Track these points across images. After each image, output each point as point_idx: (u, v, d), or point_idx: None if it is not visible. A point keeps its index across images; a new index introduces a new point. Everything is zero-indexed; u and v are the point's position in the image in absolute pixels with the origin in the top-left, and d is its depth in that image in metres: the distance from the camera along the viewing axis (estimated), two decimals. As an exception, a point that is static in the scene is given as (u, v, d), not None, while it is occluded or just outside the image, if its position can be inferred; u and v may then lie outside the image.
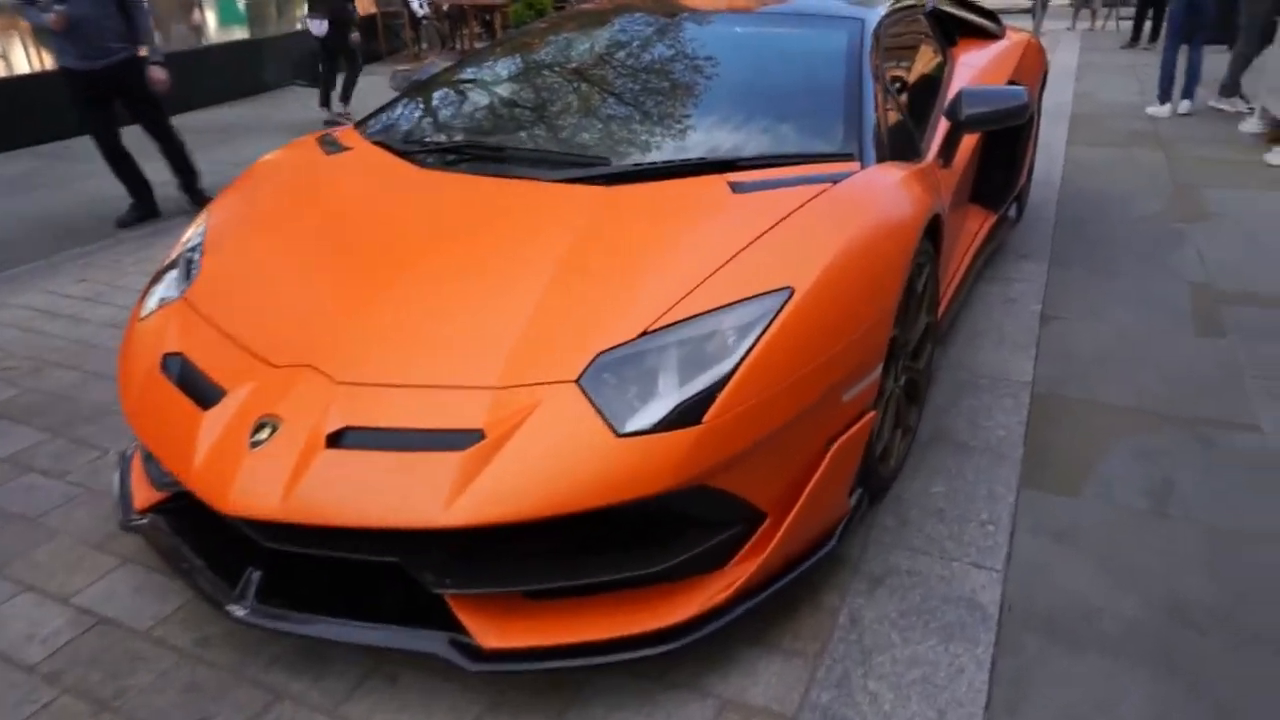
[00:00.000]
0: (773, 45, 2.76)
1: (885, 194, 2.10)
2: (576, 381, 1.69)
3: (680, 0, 3.25)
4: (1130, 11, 10.88)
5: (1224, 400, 2.81)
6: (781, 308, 1.76)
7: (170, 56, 4.69)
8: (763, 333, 1.72)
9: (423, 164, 2.43)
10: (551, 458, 1.62)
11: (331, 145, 2.68)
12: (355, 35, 7.42)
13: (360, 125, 2.84)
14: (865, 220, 1.98)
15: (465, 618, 1.69)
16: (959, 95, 2.55)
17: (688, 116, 2.50)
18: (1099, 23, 12.26)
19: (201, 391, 1.87)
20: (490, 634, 1.69)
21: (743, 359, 1.69)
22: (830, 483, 1.86)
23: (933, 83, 3.24)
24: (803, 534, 1.85)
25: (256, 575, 1.80)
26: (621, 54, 2.84)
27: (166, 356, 1.99)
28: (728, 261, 1.86)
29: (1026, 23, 9.07)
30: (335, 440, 1.70)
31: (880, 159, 2.29)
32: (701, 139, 2.41)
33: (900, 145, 2.52)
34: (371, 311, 1.92)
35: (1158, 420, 2.70)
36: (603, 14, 3.14)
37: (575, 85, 2.75)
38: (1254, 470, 2.45)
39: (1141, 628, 1.90)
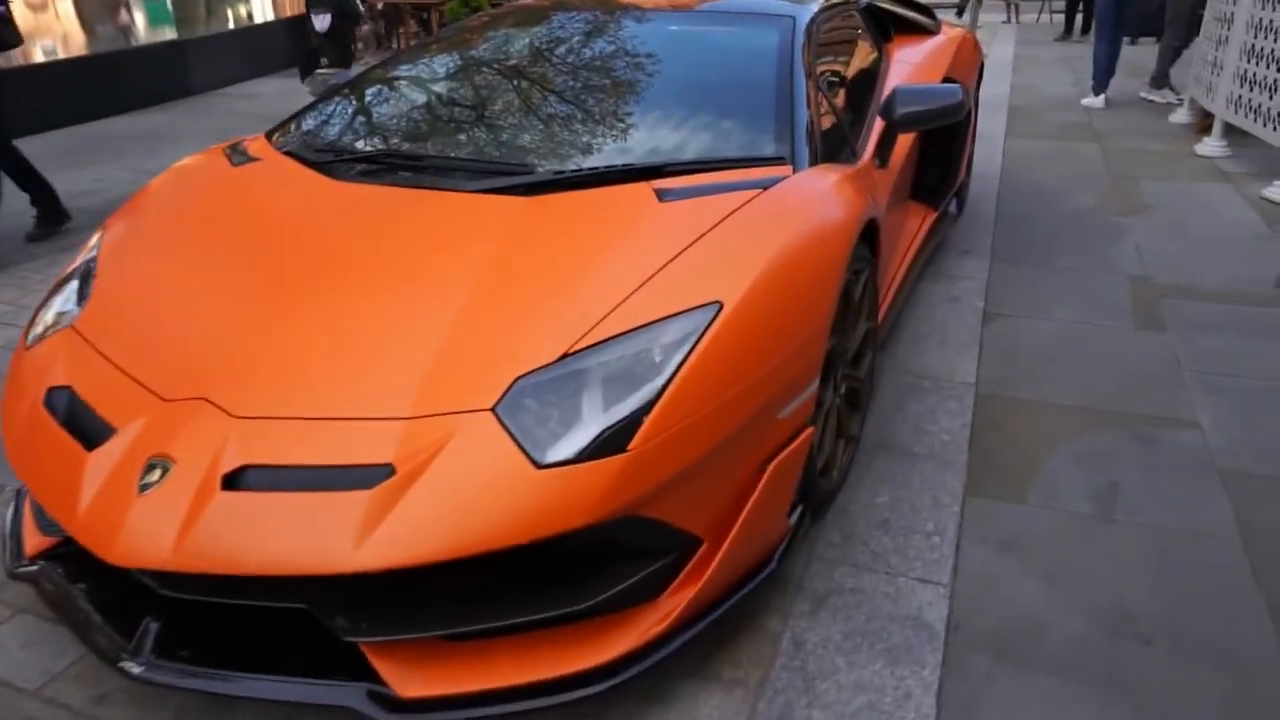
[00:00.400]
0: (703, 44, 2.67)
1: (818, 199, 2.02)
2: (493, 409, 1.58)
3: None
4: (1061, 6, 11.06)
5: (1164, 396, 2.80)
6: (710, 323, 1.67)
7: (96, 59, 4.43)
8: (691, 350, 1.63)
9: (335, 175, 2.29)
10: (466, 493, 1.51)
11: (239, 156, 2.53)
12: (366, 27, 7.19)
13: (271, 134, 2.69)
14: (797, 227, 1.90)
15: (382, 666, 1.57)
16: (893, 94, 2.49)
17: (616, 120, 2.40)
18: (1018, 16, 12.44)
19: (88, 429, 1.71)
20: (410, 683, 1.57)
21: (670, 379, 1.60)
22: (768, 503, 1.78)
23: (869, 80, 3.18)
24: (741, 558, 1.76)
25: (155, 627, 1.65)
26: (548, 55, 2.72)
27: (52, 390, 1.83)
28: (654, 275, 1.76)
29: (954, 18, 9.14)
30: (233, 481, 1.56)
31: (814, 161, 2.22)
32: (629, 144, 2.31)
33: (835, 146, 2.45)
34: (272, 339, 1.78)
35: (1101, 419, 2.67)
36: (529, 13, 3.02)
37: (499, 89, 2.62)
38: (1194, 468, 2.43)
39: (1089, 644, 1.85)
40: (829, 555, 2.10)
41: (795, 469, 1.85)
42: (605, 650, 1.62)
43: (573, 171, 2.15)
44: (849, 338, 2.23)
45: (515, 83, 2.61)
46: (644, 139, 2.32)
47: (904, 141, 2.93)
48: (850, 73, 3.09)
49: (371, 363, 1.71)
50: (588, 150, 2.29)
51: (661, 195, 2.00)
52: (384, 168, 2.31)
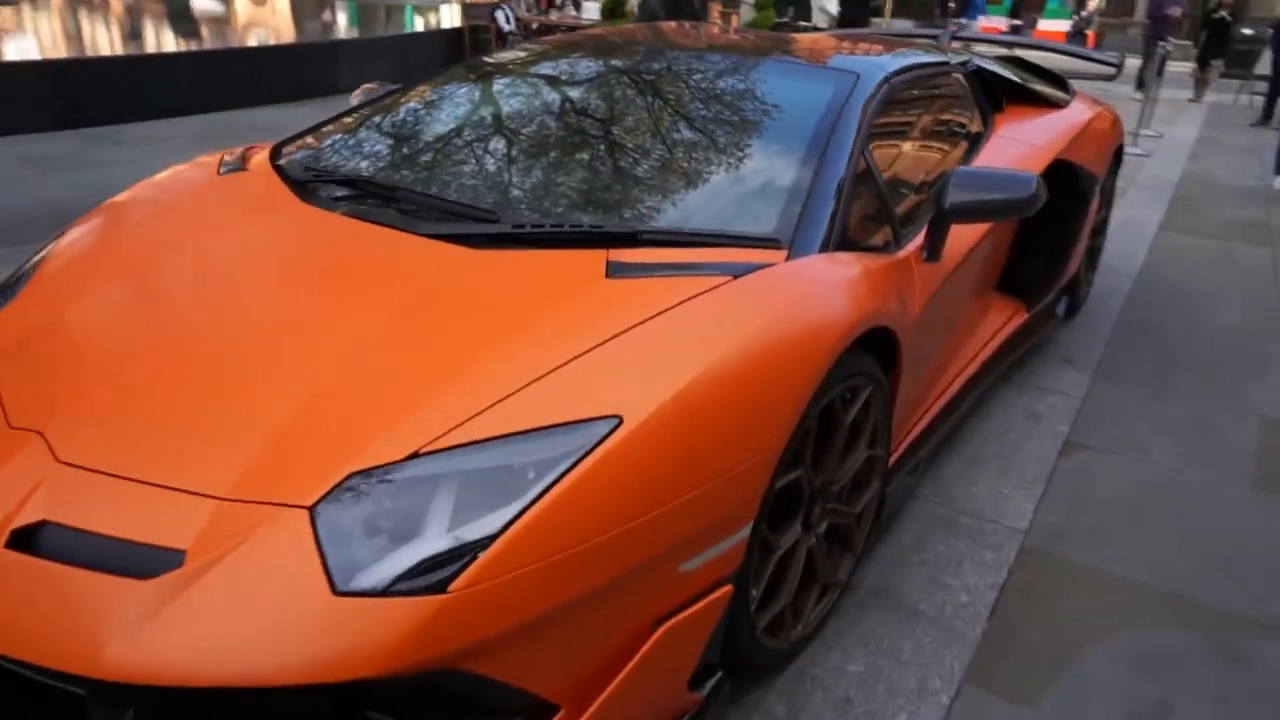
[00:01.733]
0: (742, 97, 2.31)
1: (796, 298, 1.62)
2: (310, 507, 1.30)
3: (669, 36, 2.85)
4: (1264, 87, 9.92)
5: (1270, 591, 2.20)
6: (599, 442, 1.32)
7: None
8: (567, 472, 1.29)
9: (304, 196, 2.08)
10: (249, 608, 1.23)
11: (230, 164, 2.37)
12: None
13: (284, 143, 2.54)
14: (752, 332, 1.51)
15: None
16: (946, 178, 2.06)
17: (610, 173, 2.08)
18: (1207, 94, 11.25)
19: None
20: None
21: (529, 506, 1.27)
22: (655, 672, 1.41)
23: (951, 155, 2.73)
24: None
25: None
26: (568, 95, 2.44)
27: None
28: (556, 369, 1.43)
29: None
30: (23, 538, 1.35)
31: (824, 247, 1.83)
32: (613, 200, 1.98)
33: (866, 231, 2.05)
34: (131, 375, 1.57)
35: (1174, 609, 2.12)
36: (566, 48, 2.75)
37: (499, 126, 2.36)
38: (1287, 704, 1.86)
39: None
40: (764, 733, 1.69)
41: (700, 633, 1.47)
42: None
43: (534, 226, 1.84)
44: (836, 470, 1.82)
45: (523, 124, 2.34)
46: (633, 198, 1.99)
47: (986, 226, 2.48)
48: (926, 145, 2.66)
49: (218, 422, 1.46)
50: (566, 202, 1.98)
51: (612, 269, 1.67)
52: (353, 194, 2.09)
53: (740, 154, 2.10)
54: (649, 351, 1.47)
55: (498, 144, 2.26)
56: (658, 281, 1.63)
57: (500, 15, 10.43)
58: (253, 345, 1.61)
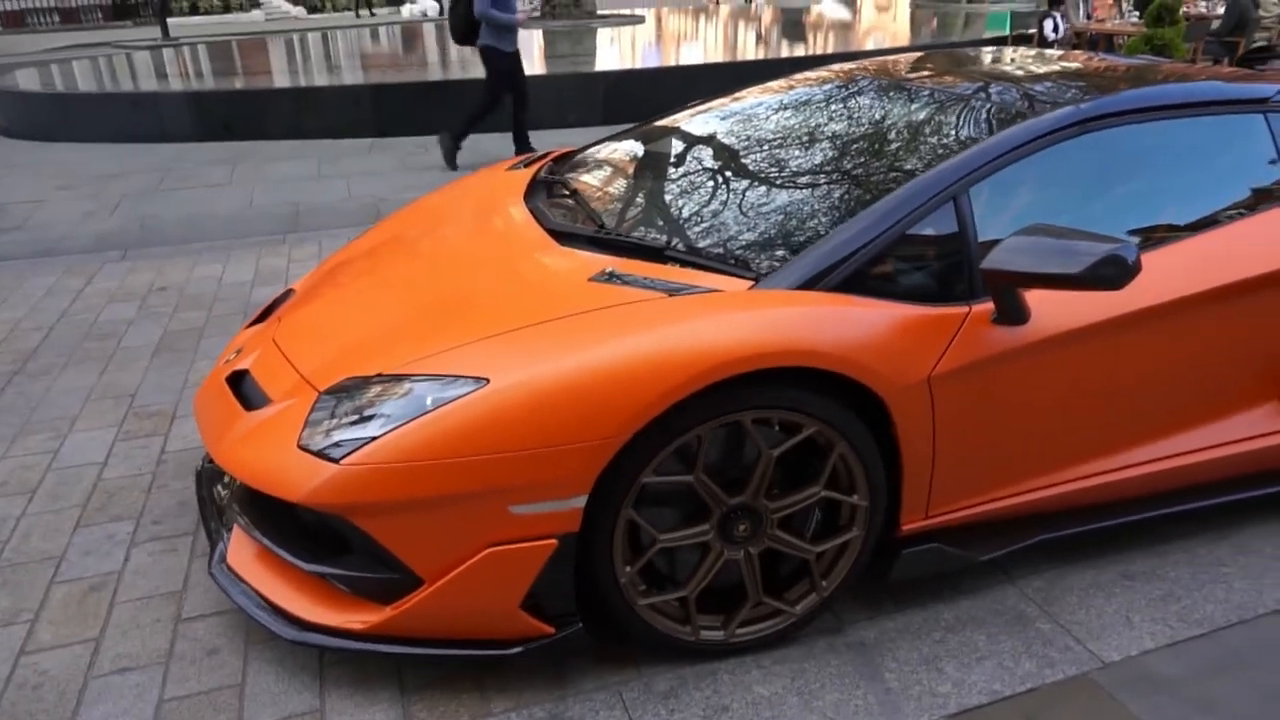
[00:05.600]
0: (882, 130, 2.28)
1: (690, 319, 1.76)
2: (320, 390, 1.99)
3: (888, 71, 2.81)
4: None
5: None
6: (467, 394, 1.76)
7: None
8: (439, 407, 1.76)
9: (526, 195, 2.74)
10: (265, 441, 1.97)
11: (520, 164, 3.15)
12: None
13: (574, 151, 3.24)
14: (625, 339, 1.74)
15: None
16: (1006, 240, 1.83)
17: (714, 199, 2.34)
18: None
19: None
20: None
21: (403, 424, 1.77)
22: (483, 583, 1.79)
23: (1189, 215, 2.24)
24: (444, 616, 1.83)
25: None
26: (723, 135, 2.69)
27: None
28: (486, 338, 1.89)
29: None
30: (235, 377, 2.30)
31: (814, 285, 1.88)
32: (702, 224, 2.26)
33: (925, 282, 1.97)
34: (327, 299, 2.45)
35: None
36: (821, 80, 2.91)
37: (673, 161, 2.71)
38: None
39: None
40: (630, 698, 1.91)
41: (525, 568, 1.78)
42: (322, 615, 1.92)
43: (597, 234, 2.27)
44: (764, 496, 1.88)
45: (683, 155, 2.67)
46: (712, 222, 2.24)
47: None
48: (1155, 199, 2.23)
49: (334, 334, 2.24)
50: (676, 223, 2.33)
51: (601, 276, 2.01)
52: (548, 194, 2.70)
53: (821, 192, 2.18)
54: (544, 338, 1.83)
55: (662, 174, 2.64)
56: (622, 290, 1.94)
57: (1049, 23, 9.78)
58: (385, 293, 2.36)
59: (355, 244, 2.94)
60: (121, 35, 21.31)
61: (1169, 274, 2.12)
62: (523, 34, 7.38)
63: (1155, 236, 2.19)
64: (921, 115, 2.38)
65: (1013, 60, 2.95)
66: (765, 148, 2.52)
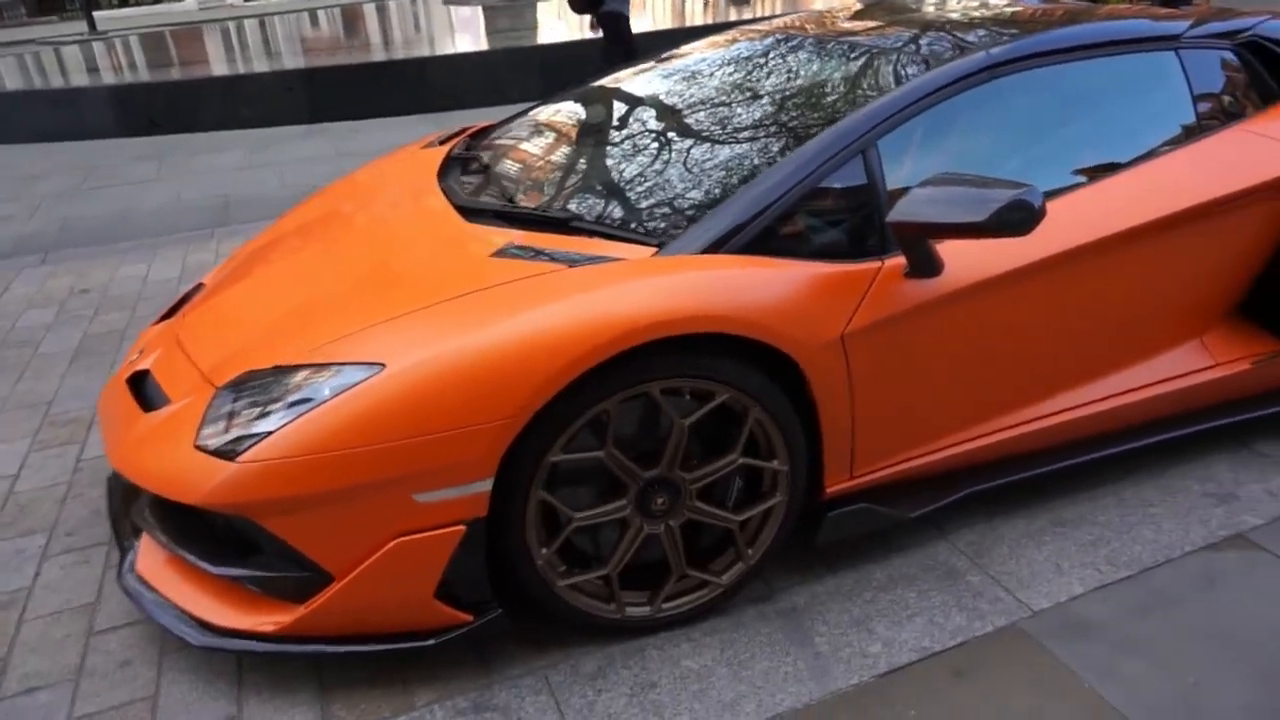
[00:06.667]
0: (790, 88, 2.23)
1: (589, 290, 1.71)
2: (217, 387, 1.90)
3: (838, 26, 2.75)
4: None
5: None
6: (363, 380, 1.69)
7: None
8: (335, 396, 1.69)
9: (440, 173, 2.65)
10: (161, 442, 1.89)
11: (436, 143, 3.05)
12: None
13: (491, 126, 3.15)
14: (521, 314, 1.68)
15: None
16: (912, 191, 1.79)
17: (621, 170, 2.27)
18: None
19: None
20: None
21: (300, 416, 1.70)
22: (393, 575, 1.73)
23: (1119, 155, 2.22)
24: (357, 611, 1.77)
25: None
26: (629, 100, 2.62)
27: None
28: (382, 322, 1.82)
29: None
30: (137, 378, 2.21)
31: (720, 248, 1.83)
32: (606, 193, 2.19)
33: (837, 238, 1.92)
34: (230, 292, 2.35)
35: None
36: (725, 41, 2.85)
37: (585, 128, 2.64)
38: None
39: None
40: (556, 681, 1.87)
41: (434, 557, 1.73)
42: (237, 619, 1.86)
43: (503, 207, 2.19)
44: (680, 467, 1.84)
45: (594, 122, 2.59)
46: (618, 190, 2.17)
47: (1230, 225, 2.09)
48: (1067, 143, 2.20)
49: (235, 328, 2.14)
50: (569, 193, 2.26)
51: (502, 251, 1.94)
52: (464, 176, 2.61)
53: (730, 151, 2.12)
54: (441, 318, 1.76)
55: (571, 144, 2.57)
56: (523, 264, 1.87)
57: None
58: (288, 281, 2.27)
59: (265, 232, 2.84)
60: (47, 31, 20.56)
61: (1083, 217, 2.10)
62: (462, 12, 7.21)
63: (1070, 180, 2.16)
64: (831, 68, 2.33)
65: (935, 9, 2.90)
66: (674, 111, 2.45)
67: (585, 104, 2.78)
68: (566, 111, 2.79)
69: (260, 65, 8.97)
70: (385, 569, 1.74)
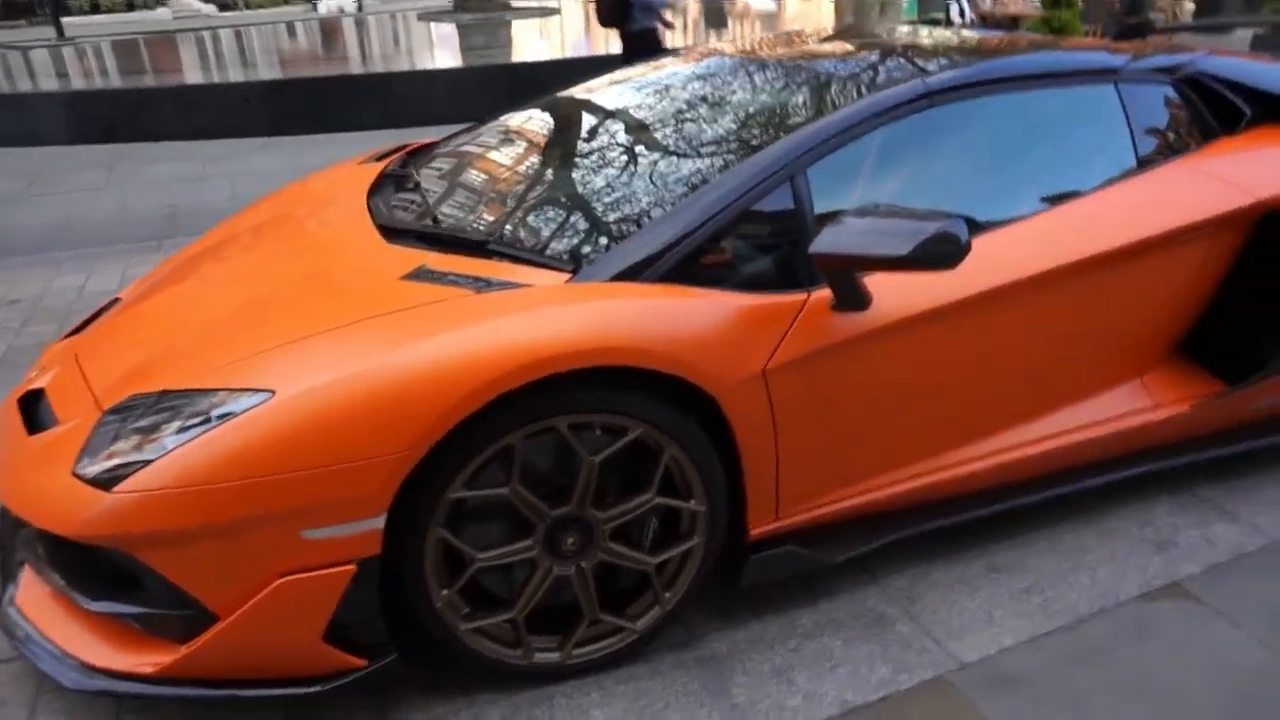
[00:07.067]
0: (719, 117, 2.16)
1: (490, 318, 1.63)
2: (104, 410, 1.78)
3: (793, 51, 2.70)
4: None
5: None
6: (248, 409, 1.58)
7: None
8: (219, 423, 1.58)
9: (371, 191, 2.54)
10: (45, 468, 1.76)
11: (374, 159, 2.95)
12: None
13: (434, 143, 3.05)
14: (416, 344, 1.59)
15: None
16: (836, 218, 1.72)
17: (554, 193, 2.19)
18: None
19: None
20: None
21: (182, 445, 1.59)
22: (278, 616, 1.62)
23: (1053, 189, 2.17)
24: (242, 653, 1.65)
25: None
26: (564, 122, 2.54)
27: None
28: (279, 346, 1.72)
29: None
30: (30, 397, 2.07)
31: (635, 276, 1.75)
32: (545, 218, 2.11)
33: (764, 269, 1.85)
34: (134, 312, 2.24)
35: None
36: (651, 72, 2.78)
37: (520, 147, 2.56)
38: None
39: None
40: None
41: (323, 598, 1.62)
42: (109, 658, 1.72)
43: (426, 228, 2.10)
44: (589, 506, 1.75)
45: (541, 147, 2.51)
46: (543, 212, 2.10)
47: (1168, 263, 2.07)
48: (1009, 176, 2.15)
49: (134, 349, 2.01)
50: (492, 214, 2.17)
51: (415, 273, 1.85)
52: (389, 189, 2.51)
53: (655, 176, 2.04)
54: (338, 344, 1.66)
55: (502, 165, 2.48)
56: (431, 288, 1.78)
57: (954, 7, 9.88)
58: (197, 299, 2.16)
59: (189, 247, 2.72)
60: (14, 35, 20.20)
61: (1018, 252, 2.05)
62: (440, 28, 7.14)
63: (1004, 213, 2.11)
64: (768, 93, 2.27)
65: (880, 36, 2.87)
66: (604, 134, 2.39)
67: (521, 125, 2.70)
68: (501, 132, 2.71)
69: (224, 76, 8.83)
70: (271, 608, 1.62)
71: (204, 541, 1.58)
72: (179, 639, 1.68)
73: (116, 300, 2.54)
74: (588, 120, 2.54)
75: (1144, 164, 2.24)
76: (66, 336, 2.45)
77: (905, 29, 3.22)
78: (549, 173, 2.31)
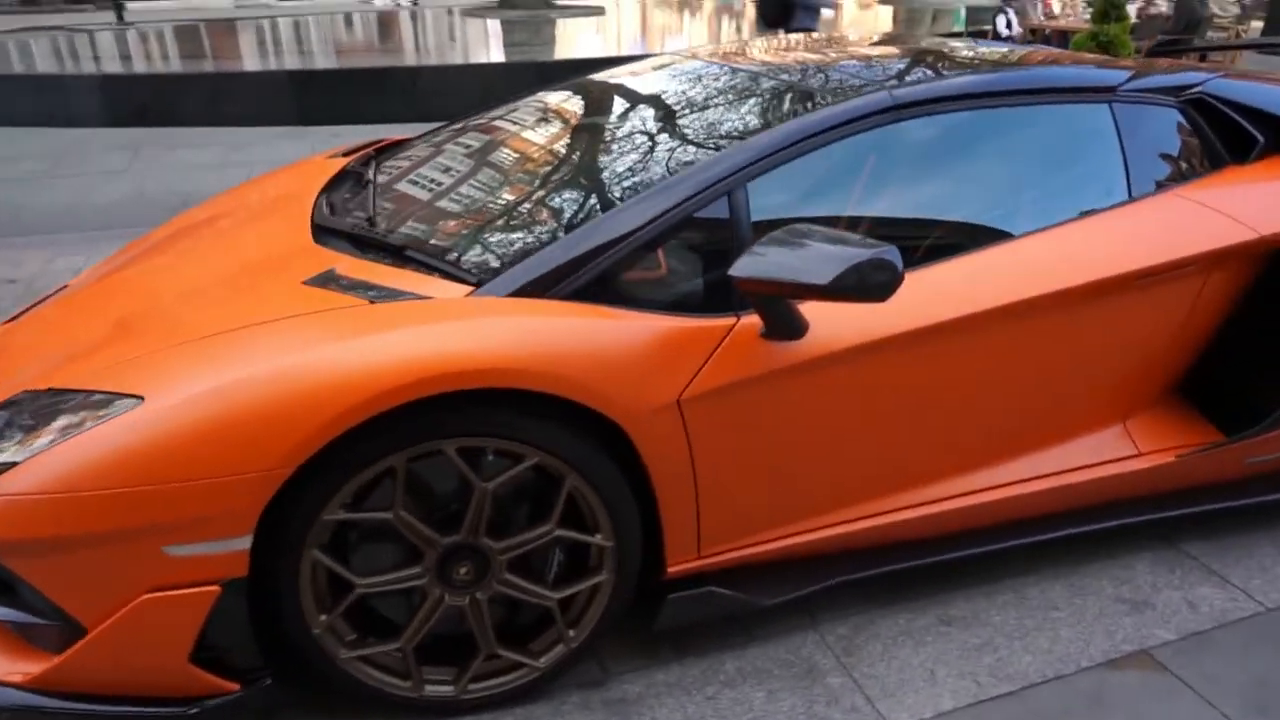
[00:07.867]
0: (671, 126, 2.02)
1: (379, 334, 1.50)
2: (-1, 406, 1.71)
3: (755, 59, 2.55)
4: None
5: None
6: (118, 415, 1.49)
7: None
8: (90, 429, 1.50)
9: (326, 187, 2.46)
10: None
11: (341, 153, 2.87)
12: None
13: (402, 141, 2.95)
14: (292, 356, 1.48)
15: None
16: (757, 244, 1.57)
17: (482, 197, 2.08)
18: None
19: None
20: None
21: (48, 449, 1.50)
22: (141, 634, 1.53)
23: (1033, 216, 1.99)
24: (109, 669, 1.56)
25: None
26: (568, 120, 2.41)
27: None
28: (166, 349, 1.63)
29: None
30: None
31: (544, 293, 1.62)
32: (467, 226, 1.99)
33: (692, 288, 1.72)
34: (78, 300, 2.17)
35: None
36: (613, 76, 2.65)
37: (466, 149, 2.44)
38: None
39: None
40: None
41: (187, 617, 1.52)
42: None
43: (355, 231, 1.99)
44: (483, 535, 1.62)
45: (494, 150, 2.39)
46: (468, 220, 1.97)
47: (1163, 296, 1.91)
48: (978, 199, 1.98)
49: (57, 346, 1.92)
50: (420, 220, 2.05)
51: (318, 279, 1.75)
52: (346, 193, 2.42)
53: (585, 185, 1.91)
54: (216, 350, 1.57)
55: (451, 168, 2.36)
56: (330, 295, 1.68)
57: (1001, 19, 9.56)
58: (121, 292, 2.09)
59: (143, 239, 2.66)
60: (80, 19, 20.77)
61: (984, 281, 1.87)
62: (484, 24, 7.11)
63: (966, 238, 1.94)
64: (720, 104, 2.12)
65: (876, 45, 2.70)
66: (549, 143, 2.26)
67: (479, 128, 2.58)
68: (458, 133, 2.60)
69: (264, 65, 8.91)
70: (135, 625, 1.53)
71: (70, 551, 1.50)
72: (56, 649, 1.61)
73: (64, 288, 2.49)
74: (539, 127, 2.41)
75: (1135, 191, 2.04)
76: (3, 324, 2.40)
77: (931, 40, 3.03)
78: (486, 178, 2.19)
